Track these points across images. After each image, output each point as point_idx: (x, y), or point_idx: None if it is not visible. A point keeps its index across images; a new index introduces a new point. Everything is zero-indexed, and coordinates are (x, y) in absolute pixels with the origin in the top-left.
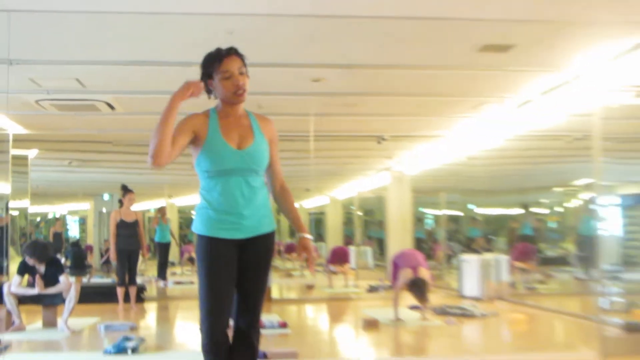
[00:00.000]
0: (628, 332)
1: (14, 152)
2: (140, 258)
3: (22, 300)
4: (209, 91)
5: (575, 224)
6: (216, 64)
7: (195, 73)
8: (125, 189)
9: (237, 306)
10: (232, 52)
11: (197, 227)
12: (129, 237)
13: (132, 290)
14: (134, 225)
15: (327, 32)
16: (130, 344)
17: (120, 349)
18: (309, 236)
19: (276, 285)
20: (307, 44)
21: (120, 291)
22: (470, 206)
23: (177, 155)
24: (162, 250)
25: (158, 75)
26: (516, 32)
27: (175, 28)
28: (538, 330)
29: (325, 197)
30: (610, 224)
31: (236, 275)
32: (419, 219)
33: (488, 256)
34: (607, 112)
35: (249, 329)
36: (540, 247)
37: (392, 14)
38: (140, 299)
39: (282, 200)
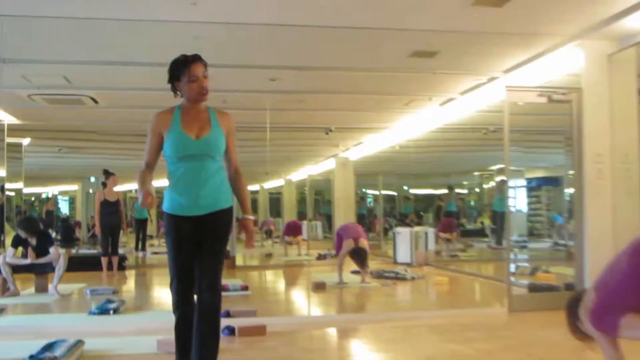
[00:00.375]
0: (531, 292)
1: (9, 140)
2: (122, 232)
3: (16, 269)
4: (175, 91)
5: (490, 202)
6: (184, 69)
7: (166, 71)
8: (107, 173)
9: (199, 271)
10: (197, 58)
11: (164, 206)
12: (111, 214)
13: (115, 260)
14: (116, 203)
15: (282, 39)
16: (112, 306)
17: (103, 310)
18: (251, 217)
19: (240, 255)
20: (265, 48)
21: (104, 260)
22: (404, 187)
23: (157, 159)
24: (140, 225)
25: (136, 74)
26: (441, 41)
27: (150, 33)
28: (459, 290)
29: (281, 180)
30: (518, 203)
31: (198, 244)
32: (361, 198)
33: (418, 229)
34: (515, 108)
35: (209, 289)
36: (462, 221)
37: (337, 24)
38: (122, 267)
39: (235, 183)
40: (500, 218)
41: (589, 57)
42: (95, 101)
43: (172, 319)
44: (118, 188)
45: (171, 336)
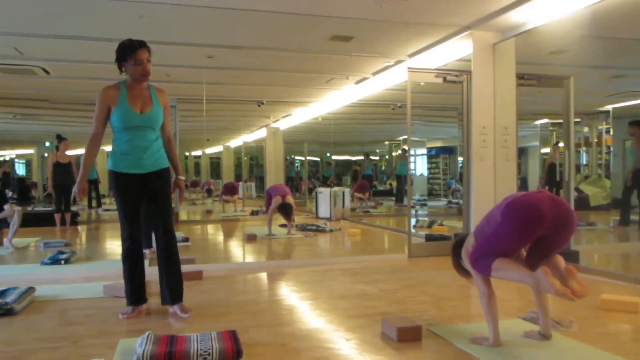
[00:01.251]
0: (428, 241)
1: None
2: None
3: None
4: (121, 69)
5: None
6: (131, 53)
7: (113, 46)
8: (60, 138)
9: (154, 218)
10: (142, 45)
11: (110, 165)
12: (63, 174)
13: (67, 216)
14: (68, 165)
15: (219, 20)
16: (63, 256)
17: (55, 260)
18: (182, 177)
19: (184, 211)
20: (203, 28)
21: (57, 216)
22: (326, 154)
23: (105, 128)
24: (90, 185)
25: (85, 47)
26: (356, 28)
27: (98, 10)
28: (369, 240)
29: (220, 146)
30: (420, 168)
31: (143, 197)
32: (290, 163)
33: (337, 189)
34: (417, 88)
35: (164, 231)
36: (374, 183)
37: (266, 9)
38: (74, 222)
39: (168, 149)
40: (404, 180)
41: (477, 45)
42: (47, 72)
43: (118, 267)
44: (70, 152)
45: (116, 282)
